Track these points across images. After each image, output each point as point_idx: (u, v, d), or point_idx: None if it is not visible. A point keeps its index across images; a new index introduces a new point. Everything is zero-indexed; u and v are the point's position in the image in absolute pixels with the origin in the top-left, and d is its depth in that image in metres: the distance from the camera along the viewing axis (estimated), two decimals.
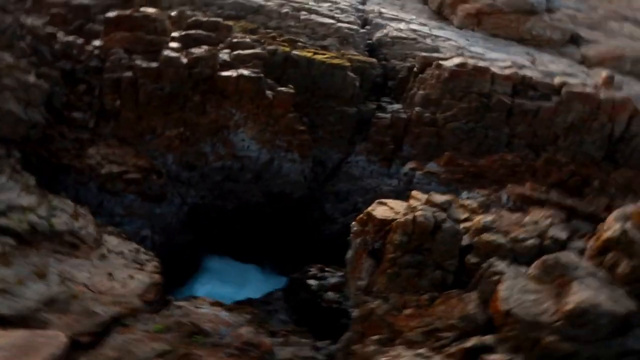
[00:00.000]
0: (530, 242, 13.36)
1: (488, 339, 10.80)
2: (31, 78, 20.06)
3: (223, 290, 22.60)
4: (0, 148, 17.77)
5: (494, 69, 27.25)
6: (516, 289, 11.63)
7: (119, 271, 14.26)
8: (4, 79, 18.80)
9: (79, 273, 13.55)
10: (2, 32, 20.83)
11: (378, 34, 37.53)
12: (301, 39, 32.73)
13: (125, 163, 21.21)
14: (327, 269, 19.86)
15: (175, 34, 27.05)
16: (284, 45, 29.22)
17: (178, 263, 22.17)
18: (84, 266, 13.97)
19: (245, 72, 24.91)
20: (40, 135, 19.80)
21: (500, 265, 12.60)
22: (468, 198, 21.88)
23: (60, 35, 24.49)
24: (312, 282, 18.80)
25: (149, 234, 20.70)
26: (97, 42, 25.36)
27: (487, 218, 14.70)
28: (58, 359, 4.17)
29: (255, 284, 24.23)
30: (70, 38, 24.67)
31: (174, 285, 20.78)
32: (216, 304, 14.45)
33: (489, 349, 10.54)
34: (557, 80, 27.48)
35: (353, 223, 16.50)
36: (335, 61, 28.35)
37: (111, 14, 25.75)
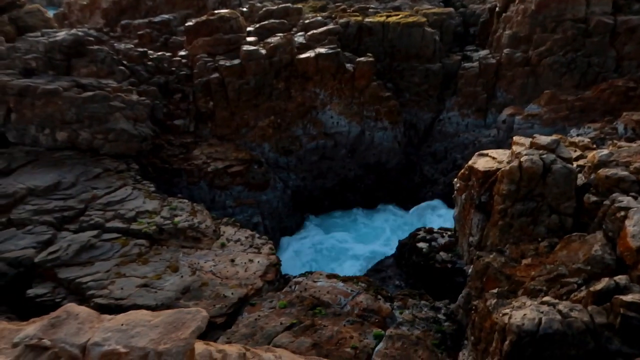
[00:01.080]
0: None
1: (621, 279, 10.06)
2: (134, 97, 22.07)
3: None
4: (121, 164, 19.92)
5: None
6: None
7: (239, 257, 15.42)
8: (112, 102, 20.90)
9: (205, 263, 14.91)
10: (102, 61, 23.08)
11: None
12: (371, 5, 32.11)
13: (227, 158, 22.61)
14: (435, 230, 19.64)
15: (250, 28, 27.99)
16: (355, 16, 28.87)
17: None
18: (208, 256, 15.32)
19: (322, 50, 25.12)
20: (151, 146, 21.78)
21: (625, 199, 11.58)
22: (578, 135, 20.27)
23: (151, 53, 26.51)
24: (422, 245, 18.72)
25: (260, 220, 21.96)
26: (182, 52, 27.13)
27: (603, 152, 13.52)
28: (202, 331, 4.83)
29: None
30: (159, 54, 26.63)
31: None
32: (332, 276, 15.03)
33: (622, 290, 9.82)
34: None
35: (455, 180, 16.11)
36: (410, 19, 27.45)
37: (190, 23, 27.30)
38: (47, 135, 20.22)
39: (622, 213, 11.18)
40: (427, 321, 13.31)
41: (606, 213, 11.70)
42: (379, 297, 14.08)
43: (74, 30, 24.26)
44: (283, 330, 12.30)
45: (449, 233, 19.04)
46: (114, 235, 15.76)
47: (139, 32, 29.16)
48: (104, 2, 35.74)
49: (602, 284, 10.05)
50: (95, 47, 23.39)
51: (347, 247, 22.96)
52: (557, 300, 10.21)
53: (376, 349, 12.04)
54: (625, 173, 12.38)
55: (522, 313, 9.83)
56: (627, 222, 10.81)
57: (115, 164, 19.72)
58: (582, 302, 10.02)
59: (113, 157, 20.11)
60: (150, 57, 25.93)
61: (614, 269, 10.54)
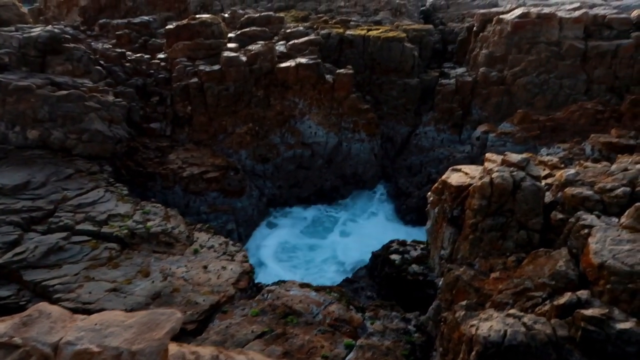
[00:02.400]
0: (619, 190, 12.63)
1: (583, 293, 10.44)
2: (110, 98, 21.79)
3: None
4: (94, 165, 19.59)
5: (561, 14, 25.62)
6: (609, 241, 11.09)
7: (212, 263, 15.31)
8: (87, 102, 20.59)
9: (177, 268, 14.76)
10: (78, 60, 22.74)
11: None
12: (353, 18, 32.62)
13: (203, 164, 22.46)
14: (408, 242, 19.90)
15: (231, 35, 28.03)
16: (337, 28, 29.27)
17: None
18: (181, 262, 15.17)
19: (303, 60, 25.34)
20: (126, 148, 21.49)
21: (589, 218, 12.05)
22: (548, 154, 20.92)
23: (129, 54, 26.26)
24: (394, 257, 18.94)
25: (234, 227, 21.84)
26: (161, 55, 26.95)
27: (570, 171, 14.05)
28: (176, 332, 4.86)
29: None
30: (138, 55, 26.39)
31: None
32: (305, 285, 15.05)
33: (584, 304, 10.19)
34: (635, 13, 25.29)
35: (429, 193, 16.41)
36: (391, 34, 27.97)
37: (170, 26, 27.18)
38: (17, 132, 19.75)
39: (586, 231, 11.62)
40: (397, 332, 13.46)
41: (571, 230, 12.13)
42: (351, 307, 14.18)
43: (49, 27, 23.86)
44: (254, 338, 12.26)
45: (422, 246, 19.33)
46: (84, 237, 15.43)
47: (118, 33, 28.86)
48: (82, 0, 35.27)
49: (565, 298, 10.40)
50: (72, 45, 23.06)
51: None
52: (522, 313, 10.50)
53: (347, 358, 12.11)
54: (590, 192, 12.89)
55: (489, 325, 10.08)
56: (590, 240, 11.23)
57: (88, 165, 19.38)
58: (546, 315, 10.33)
59: (86, 158, 19.76)
60: (129, 58, 25.68)
61: (577, 284, 10.92)
